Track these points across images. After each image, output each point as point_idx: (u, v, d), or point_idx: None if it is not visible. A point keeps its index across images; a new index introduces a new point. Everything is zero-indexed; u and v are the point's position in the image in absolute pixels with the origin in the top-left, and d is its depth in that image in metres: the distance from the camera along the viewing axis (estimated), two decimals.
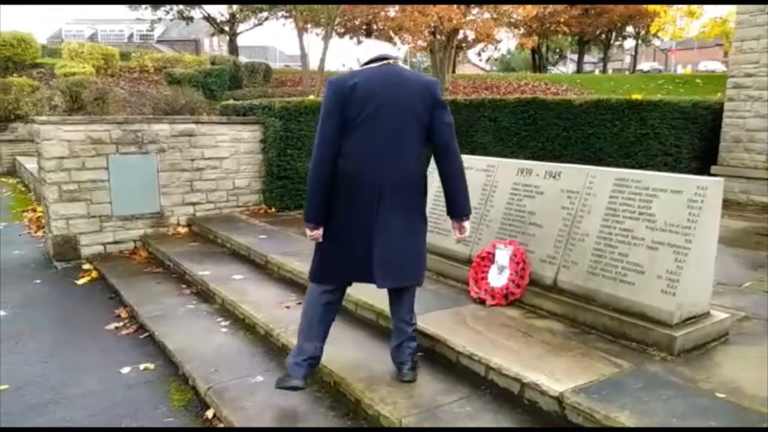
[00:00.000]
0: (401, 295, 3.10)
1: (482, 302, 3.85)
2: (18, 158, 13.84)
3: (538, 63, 39.77)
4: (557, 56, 51.25)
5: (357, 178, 2.85)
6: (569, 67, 47.18)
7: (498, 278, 3.85)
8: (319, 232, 2.96)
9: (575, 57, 44.11)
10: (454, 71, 28.64)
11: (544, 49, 41.33)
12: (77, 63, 20.07)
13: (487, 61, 48.35)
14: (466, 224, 3.10)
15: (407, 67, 3.01)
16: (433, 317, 3.65)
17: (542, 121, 8.92)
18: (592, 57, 53.77)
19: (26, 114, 15.57)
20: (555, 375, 2.86)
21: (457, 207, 3.08)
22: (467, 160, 4.69)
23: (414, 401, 2.94)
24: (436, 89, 2.96)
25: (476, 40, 25.33)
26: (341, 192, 2.87)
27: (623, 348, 3.18)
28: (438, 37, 21.64)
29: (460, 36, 23.83)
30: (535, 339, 3.31)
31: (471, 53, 39.70)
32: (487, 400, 2.93)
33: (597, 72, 42.50)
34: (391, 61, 2.96)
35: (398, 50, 3.16)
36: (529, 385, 2.83)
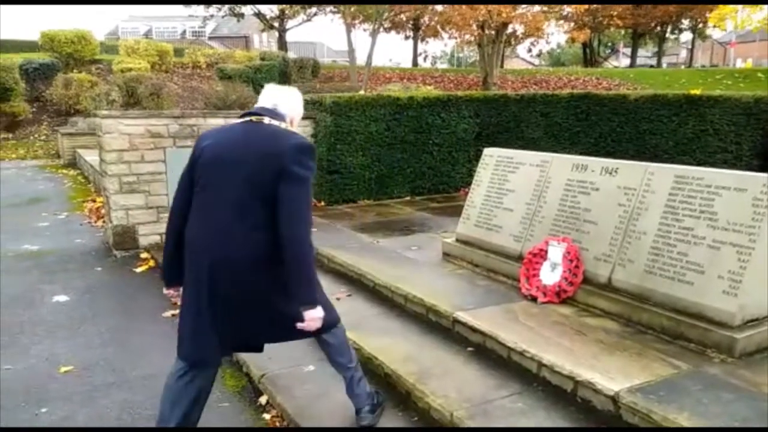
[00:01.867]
0: (320, 342, 2.84)
1: (534, 299, 3.82)
2: (78, 151, 14.36)
3: (590, 57, 38.89)
4: (609, 50, 49.98)
5: (191, 248, 2.56)
6: (621, 62, 45.95)
7: (550, 275, 3.81)
8: (171, 292, 2.79)
9: (628, 51, 42.90)
10: (502, 66, 28.32)
11: (595, 43, 40.37)
12: (133, 59, 20.71)
13: (538, 55, 47.53)
14: (309, 314, 2.47)
15: (280, 124, 2.62)
16: (484, 313, 3.65)
17: (595, 117, 8.74)
18: (645, 51, 52.23)
19: (86, 108, 16.16)
20: (609, 374, 2.82)
21: (292, 292, 2.51)
22: (520, 155, 4.68)
23: (465, 395, 2.95)
24: (289, 157, 2.42)
25: (525, 35, 24.91)
26: (185, 259, 2.60)
27: (681, 349, 3.10)
28: (486, 31, 21.40)
29: (509, 30, 23.50)
30: (588, 337, 3.27)
31: (520, 48, 39.11)
32: (539, 397, 2.91)
33: (651, 65, 41.26)
34: (259, 118, 2.58)
35: (285, 104, 2.69)
36: (582, 383, 2.80)
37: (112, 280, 5.71)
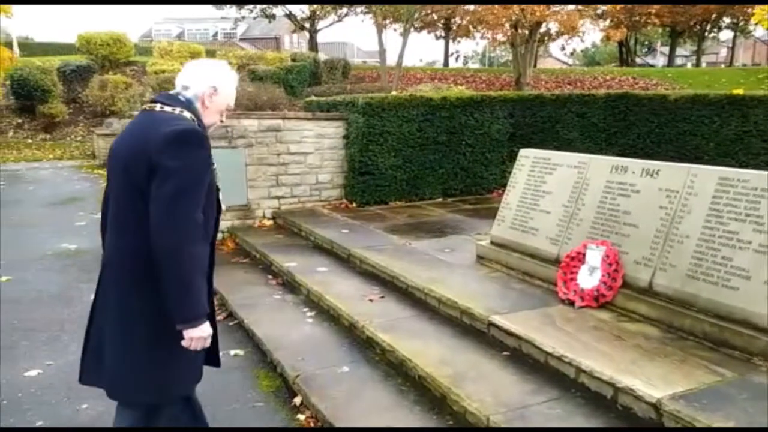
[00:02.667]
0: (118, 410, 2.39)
1: (571, 303, 3.75)
2: None
3: (626, 56, 38.14)
4: (646, 49, 48.98)
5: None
6: (658, 61, 45.00)
7: (588, 279, 3.74)
8: None
9: (665, 50, 41.96)
10: (535, 65, 27.99)
11: (632, 42, 39.57)
12: (166, 61, 21.05)
13: (571, 54, 46.82)
14: (189, 333, 2.14)
15: (174, 109, 2.26)
16: (520, 317, 3.60)
17: (633, 117, 8.57)
18: (683, 50, 51.06)
19: (120, 110, 16.49)
20: (651, 381, 2.75)
21: (166, 307, 2.14)
22: (557, 156, 4.60)
23: (501, 400, 2.91)
24: (158, 147, 2.10)
25: (560, 33, 24.57)
26: None
27: (725, 356, 3.01)
28: (519, 30, 21.18)
29: (543, 29, 23.21)
30: (628, 343, 3.19)
31: (553, 46, 38.60)
32: (578, 404, 2.85)
33: (689, 65, 40.34)
34: (152, 106, 2.29)
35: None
36: (623, 389, 2.74)
37: None
